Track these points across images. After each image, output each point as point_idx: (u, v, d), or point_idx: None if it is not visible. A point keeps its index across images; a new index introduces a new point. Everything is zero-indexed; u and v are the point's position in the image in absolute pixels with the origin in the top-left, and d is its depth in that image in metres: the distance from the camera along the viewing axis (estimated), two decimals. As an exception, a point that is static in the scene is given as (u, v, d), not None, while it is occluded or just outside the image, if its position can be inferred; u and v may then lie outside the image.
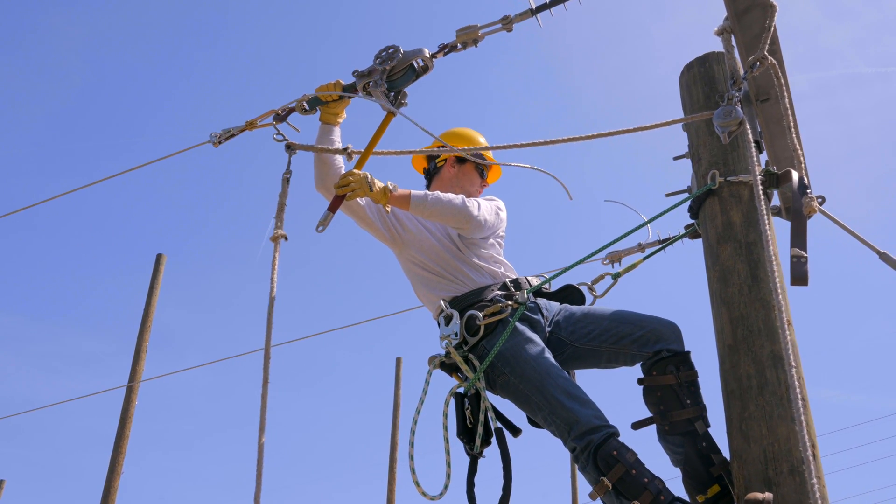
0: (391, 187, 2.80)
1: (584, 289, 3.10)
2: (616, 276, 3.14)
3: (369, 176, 2.77)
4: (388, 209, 2.87)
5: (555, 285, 3.08)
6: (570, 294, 3.07)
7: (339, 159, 3.03)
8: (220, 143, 2.99)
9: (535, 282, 3.01)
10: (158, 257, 9.59)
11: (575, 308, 2.99)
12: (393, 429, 12.51)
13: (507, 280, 2.97)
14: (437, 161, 3.33)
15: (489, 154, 3.34)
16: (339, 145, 3.01)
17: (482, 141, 3.31)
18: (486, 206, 2.99)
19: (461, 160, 3.26)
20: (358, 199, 2.93)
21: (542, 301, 2.96)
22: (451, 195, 2.93)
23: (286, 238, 2.74)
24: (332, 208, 2.80)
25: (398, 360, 12.99)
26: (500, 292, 2.90)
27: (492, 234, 3.06)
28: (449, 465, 2.71)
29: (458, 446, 2.79)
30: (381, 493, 12.02)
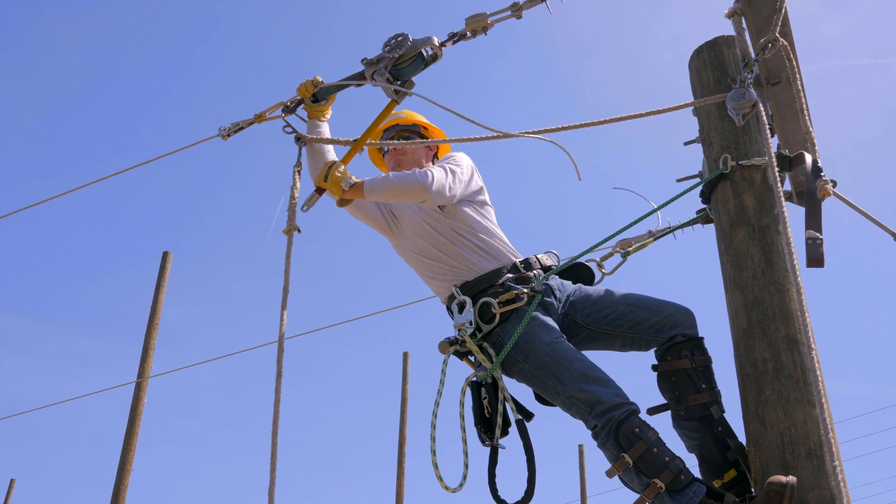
0: (350, 181, 2.77)
1: (592, 265, 3.07)
2: (625, 255, 3.12)
3: (329, 168, 2.78)
4: (344, 205, 2.84)
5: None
6: (579, 271, 3.03)
7: (332, 151, 3.03)
8: (228, 136, 2.99)
9: (544, 259, 2.97)
10: (165, 255, 9.58)
11: (591, 290, 2.95)
12: (401, 423, 12.52)
13: (517, 261, 2.92)
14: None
15: (442, 133, 3.28)
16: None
17: (421, 119, 3.26)
18: (439, 171, 2.87)
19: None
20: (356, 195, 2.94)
21: (554, 282, 2.91)
22: (404, 173, 2.85)
23: (299, 231, 2.75)
24: (318, 191, 2.85)
25: (405, 355, 13.00)
26: (511, 275, 2.85)
27: (465, 195, 2.98)
28: (466, 454, 2.67)
29: (474, 437, 2.76)
30: (389, 487, 12.05)
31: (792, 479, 2.12)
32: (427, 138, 3.22)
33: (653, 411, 2.69)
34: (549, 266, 2.97)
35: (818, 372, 2.01)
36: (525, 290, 2.76)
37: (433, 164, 3.22)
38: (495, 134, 2.55)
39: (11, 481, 14.45)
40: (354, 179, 2.81)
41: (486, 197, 3.08)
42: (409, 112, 3.27)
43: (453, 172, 2.90)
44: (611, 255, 3.12)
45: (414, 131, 3.20)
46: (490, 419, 2.71)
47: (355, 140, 2.93)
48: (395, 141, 3.07)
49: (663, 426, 2.75)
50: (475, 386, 2.75)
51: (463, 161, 3.03)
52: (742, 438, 2.47)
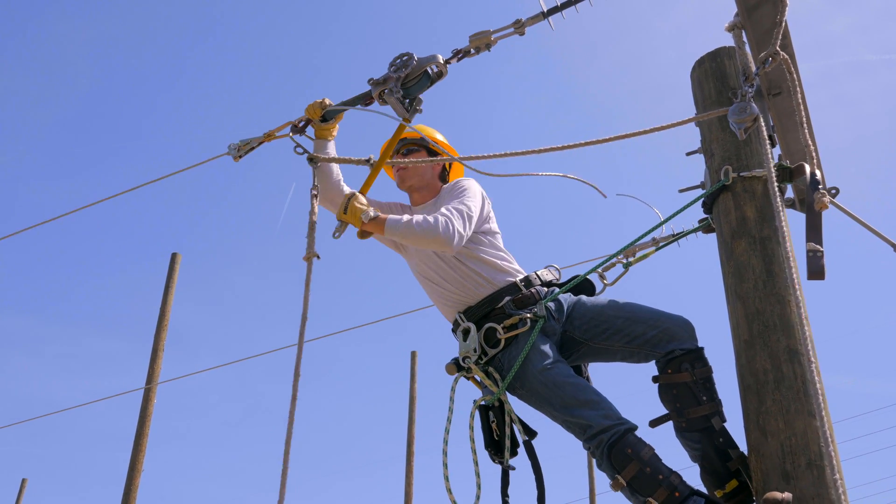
0: (369, 215, 2.80)
1: (594, 276, 3.08)
2: (627, 266, 3.15)
3: (349, 200, 2.81)
4: (364, 237, 2.87)
5: (565, 277, 3.06)
6: (580, 282, 3.03)
7: (338, 173, 3.08)
8: (240, 156, 3.04)
9: (545, 275, 2.99)
10: (173, 256, 9.64)
11: (588, 303, 2.95)
12: (409, 422, 12.57)
13: (518, 280, 2.93)
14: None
15: (451, 148, 3.27)
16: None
17: (437, 136, 3.24)
18: (459, 221, 2.86)
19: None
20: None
21: (553, 303, 2.92)
22: (426, 222, 2.81)
23: (318, 257, 2.75)
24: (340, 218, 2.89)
25: (413, 354, 13.05)
26: (510, 297, 2.87)
27: (477, 229, 3.01)
28: (478, 475, 2.73)
29: (484, 458, 2.80)
30: (398, 485, 12.11)
31: (788, 495, 2.13)
32: (435, 151, 3.23)
33: (655, 423, 2.72)
34: (550, 281, 2.99)
35: (818, 385, 2.03)
36: (528, 316, 2.79)
37: (441, 183, 3.23)
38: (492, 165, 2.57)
39: (23, 481, 14.55)
40: (373, 213, 2.81)
41: (492, 224, 3.09)
42: (418, 125, 3.26)
43: (469, 217, 2.91)
44: (613, 265, 3.14)
45: (421, 145, 3.20)
46: (499, 441, 2.75)
47: (367, 160, 2.97)
48: (408, 160, 3.07)
49: (666, 435, 2.79)
50: (483, 409, 2.79)
51: (475, 194, 3.02)
52: (743, 448, 2.49)
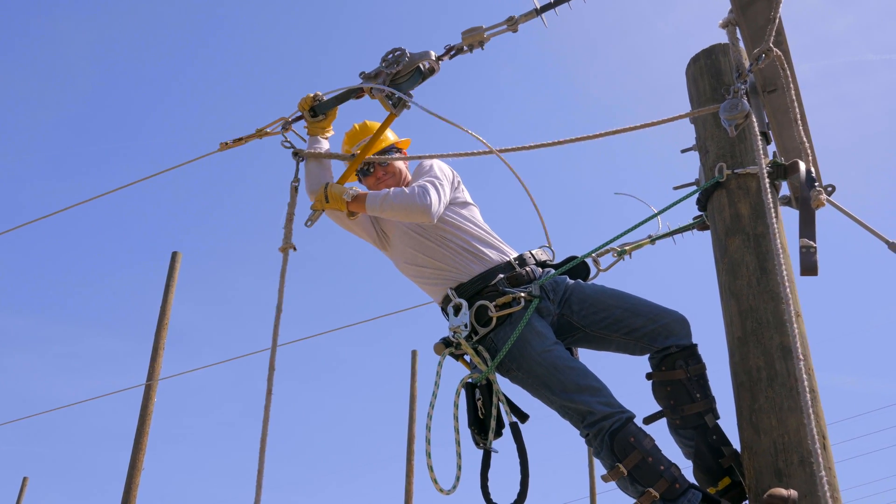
0: (351, 194, 2.85)
1: (588, 261, 3.06)
2: (621, 254, 3.15)
3: (326, 189, 2.86)
4: (353, 217, 2.92)
5: (560, 261, 3.04)
6: (574, 266, 2.99)
7: (329, 168, 3.08)
8: (227, 145, 3.07)
9: (539, 255, 2.97)
10: (174, 255, 9.64)
11: (588, 288, 2.92)
12: (410, 421, 12.57)
13: (512, 258, 2.91)
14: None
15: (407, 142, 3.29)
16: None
17: (391, 137, 3.21)
18: (434, 192, 2.89)
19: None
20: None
21: (549, 282, 2.90)
22: (403, 193, 2.86)
23: (294, 248, 2.79)
24: (314, 207, 2.96)
25: (414, 353, 13.05)
26: (503, 275, 2.84)
27: (451, 200, 3.02)
28: (460, 455, 2.69)
29: (467, 441, 2.78)
30: (399, 484, 12.12)
31: (793, 493, 2.11)
32: (401, 152, 3.24)
33: (649, 420, 2.70)
34: (544, 261, 2.97)
35: (807, 382, 2.02)
36: (522, 294, 2.76)
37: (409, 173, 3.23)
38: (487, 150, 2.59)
39: (24, 479, 14.58)
40: (356, 191, 2.88)
41: (466, 196, 3.09)
42: (369, 123, 3.26)
43: (441, 187, 2.95)
44: (606, 252, 3.15)
45: (390, 151, 3.18)
46: (484, 420, 2.71)
47: (353, 155, 2.98)
48: (391, 156, 3.09)
49: (659, 431, 2.78)
50: (469, 387, 2.76)
51: (439, 167, 3.04)
52: (737, 445, 2.49)
